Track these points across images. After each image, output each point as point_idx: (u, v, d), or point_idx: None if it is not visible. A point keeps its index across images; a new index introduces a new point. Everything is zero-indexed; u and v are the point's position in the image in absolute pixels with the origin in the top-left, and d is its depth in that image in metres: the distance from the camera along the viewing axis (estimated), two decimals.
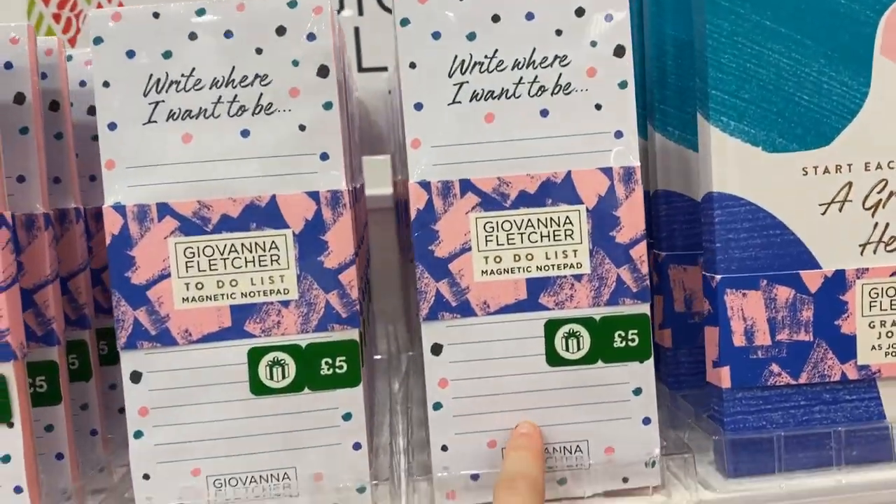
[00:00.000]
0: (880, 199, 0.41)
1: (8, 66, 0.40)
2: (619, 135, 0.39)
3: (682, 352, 0.48)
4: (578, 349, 0.39)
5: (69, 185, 0.44)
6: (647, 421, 0.40)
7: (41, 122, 0.41)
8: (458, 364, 0.39)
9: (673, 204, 0.48)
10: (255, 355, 0.38)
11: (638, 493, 0.40)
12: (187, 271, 0.38)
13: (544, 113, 0.39)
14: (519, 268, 0.39)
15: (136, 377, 0.38)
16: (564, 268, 0.39)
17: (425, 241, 0.39)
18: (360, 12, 0.76)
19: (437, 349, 0.39)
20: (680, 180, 0.48)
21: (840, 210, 0.41)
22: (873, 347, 0.41)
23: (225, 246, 0.38)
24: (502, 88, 0.39)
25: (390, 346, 0.69)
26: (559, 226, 0.39)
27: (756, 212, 0.40)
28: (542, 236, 0.39)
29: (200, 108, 0.38)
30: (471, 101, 0.39)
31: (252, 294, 0.38)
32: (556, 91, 0.39)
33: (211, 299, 0.38)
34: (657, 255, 0.48)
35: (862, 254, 0.41)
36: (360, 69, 0.77)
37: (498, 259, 0.39)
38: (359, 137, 0.63)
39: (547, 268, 0.39)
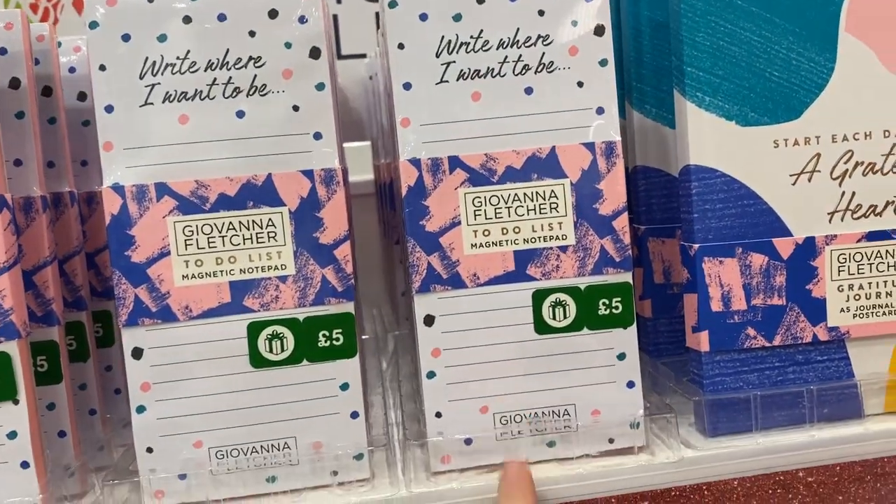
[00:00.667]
0: (847, 170, 0.43)
1: (3, 51, 0.40)
2: (600, 111, 0.41)
3: (662, 321, 0.50)
4: (565, 317, 0.41)
5: (63, 169, 0.45)
6: (631, 384, 0.42)
7: (36, 107, 0.42)
8: (450, 334, 0.41)
9: (651, 179, 0.50)
10: (254, 329, 0.39)
11: (623, 452, 0.42)
12: (186, 249, 0.39)
13: (529, 91, 0.41)
14: (507, 240, 0.41)
15: (137, 353, 0.39)
16: (550, 240, 0.41)
17: (416, 217, 0.40)
18: (339, 0, 0.77)
19: (429, 320, 0.41)
20: (657, 156, 0.50)
21: (809, 180, 0.43)
22: (842, 310, 0.43)
23: (223, 224, 0.39)
24: (488, 67, 0.41)
25: (376, 327, 0.71)
26: (545, 199, 0.41)
27: (731, 183, 0.42)
28: (528, 210, 0.41)
29: (196, 90, 0.39)
30: (458, 80, 0.41)
31: (250, 270, 0.39)
32: (539, 69, 0.41)
33: (210, 276, 0.39)
34: (637, 228, 0.50)
35: (830, 221, 0.43)
36: (339, 56, 0.78)
37: (486, 232, 0.41)
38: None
39: (534, 240, 0.41)
